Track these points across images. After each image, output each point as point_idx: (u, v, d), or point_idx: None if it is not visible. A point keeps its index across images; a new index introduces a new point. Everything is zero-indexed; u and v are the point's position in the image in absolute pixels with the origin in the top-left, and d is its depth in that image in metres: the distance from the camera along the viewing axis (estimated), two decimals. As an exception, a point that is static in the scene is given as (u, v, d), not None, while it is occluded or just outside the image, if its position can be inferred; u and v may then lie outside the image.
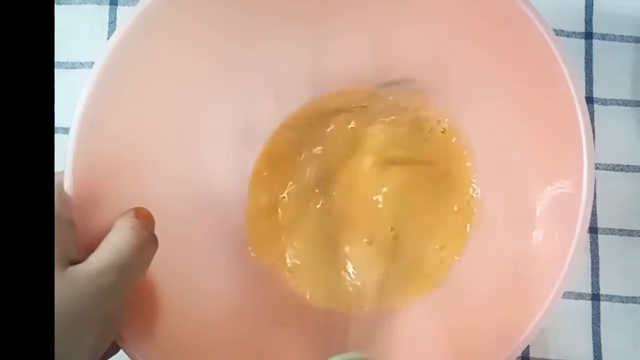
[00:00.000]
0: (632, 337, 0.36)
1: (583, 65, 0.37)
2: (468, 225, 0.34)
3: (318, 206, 0.35)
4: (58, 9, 0.38)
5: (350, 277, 0.34)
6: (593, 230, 0.36)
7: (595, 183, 0.26)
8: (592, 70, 0.37)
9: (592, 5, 0.37)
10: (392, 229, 0.34)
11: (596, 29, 0.37)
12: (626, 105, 0.37)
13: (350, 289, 0.34)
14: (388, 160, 0.35)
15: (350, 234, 0.34)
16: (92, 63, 0.26)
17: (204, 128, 0.33)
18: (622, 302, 0.36)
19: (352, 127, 0.35)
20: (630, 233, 0.36)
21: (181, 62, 0.30)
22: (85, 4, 0.38)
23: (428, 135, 0.35)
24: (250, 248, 0.35)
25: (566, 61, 0.26)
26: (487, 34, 0.30)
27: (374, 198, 0.34)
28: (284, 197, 0.35)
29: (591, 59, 0.37)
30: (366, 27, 0.32)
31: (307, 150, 0.35)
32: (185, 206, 0.32)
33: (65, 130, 0.36)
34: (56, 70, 0.37)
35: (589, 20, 0.37)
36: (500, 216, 0.32)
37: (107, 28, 0.38)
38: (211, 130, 0.33)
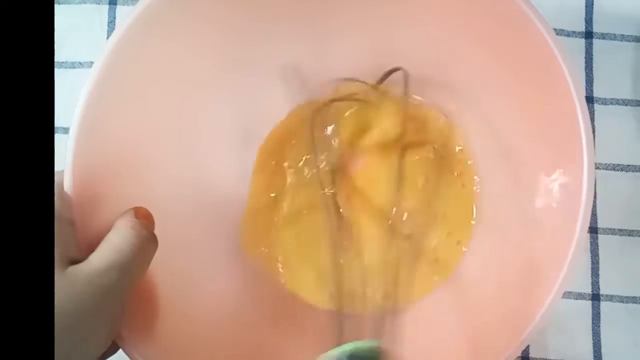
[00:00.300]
0: (632, 337, 0.36)
1: (583, 64, 0.37)
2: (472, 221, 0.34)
3: (319, 205, 0.35)
4: (58, 9, 0.38)
5: (354, 276, 0.34)
6: (593, 230, 0.36)
7: (595, 183, 0.26)
8: (592, 70, 0.37)
9: (592, 4, 0.37)
10: (395, 225, 0.34)
11: (596, 28, 0.37)
12: (626, 105, 0.37)
13: (354, 287, 0.34)
14: (389, 158, 0.35)
15: (352, 232, 0.34)
16: (92, 63, 0.26)
17: (204, 128, 0.33)
18: (622, 302, 0.36)
19: (352, 127, 0.35)
20: (630, 233, 0.36)
21: (181, 62, 0.30)
22: (84, 3, 0.38)
23: (429, 130, 0.35)
24: (247, 247, 0.34)
25: (566, 61, 0.26)
26: (487, 34, 0.30)
27: (376, 195, 0.34)
28: (284, 196, 0.35)
29: (591, 59, 0.37)
30: (366, 27, 0.32)
31: (308, 149, 0.35)
32: (185, 206, 0.32)
33: (65, 130, 0.36)
34: (56, 70, 0.37)
35: (589, 20, 0.37)
36: (500, 216, 0.32)
37: (106, 28, 0.38)
38: (211, 130, 0.33)
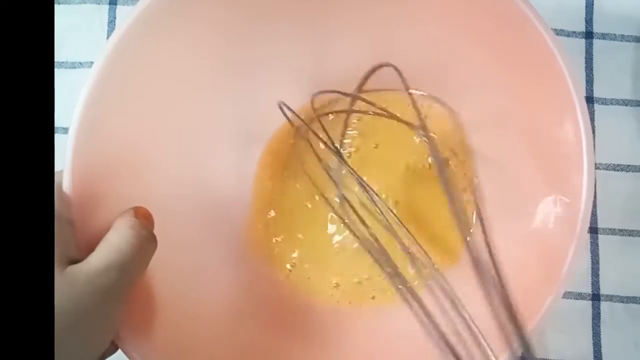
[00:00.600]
0: (632, 337, 0.36)
1: (583, 64, 0.37)
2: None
3: (320, 205, 0.35)
4: (58, 9, 0.38)
5: (357, 274, 0.34)
6: (593, 230, 0.36)
7: (595, 183, 0.26)
8: (592, 70, 0.37)
9: (593, 4, 0.37)
10: (397, 223, 0.34)
11: (596, 28, 0.37)
12: (626, 105, 0.37)
13: (357, 286, 0.34)
14: (390, 157, 0.35)
15: (355, 230, 0.34)
16: (92, 63, 0.26)
17: (204, 128, 0.33)
18: (622, 302, 0.36)
19: (353, 126, 0.35)
20: (630, 233, 0.36)
21: (181, 62, 0.30)
22: (84, 3, 0.38)
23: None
24: (251, 247, 0.35)
25: (566, 61, 0.26)
26: (487, 34, 0.30)
27: (378, 191, 0.34)
28: (286, 196, 0.35)
29: (591, 59, 0.37)
30: (366, 27, 0.32)
31: (309, 149, 0.35)
32: (185, 206, 0.32)
33: (65, 130, 0.36)
34: (56, 70, 0.37)
35: (589, 20, 0.37)
36: (500, 216, 0.32)
37: (106, 28, 0.38)
38: (211, 130, 0.33)
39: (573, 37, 0.37)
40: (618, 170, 0.36)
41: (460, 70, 0.32)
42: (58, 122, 0.36)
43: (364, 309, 0.34)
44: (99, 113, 0.27)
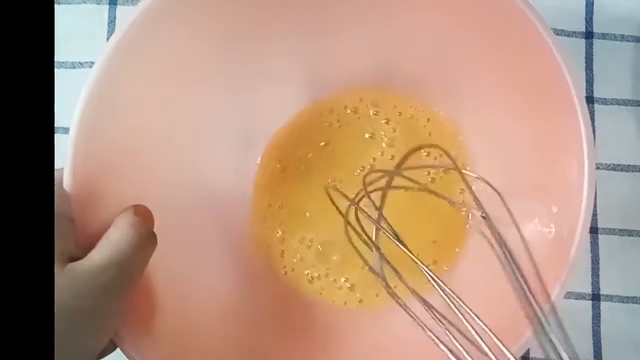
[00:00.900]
0: (632, 337, 0.36)
1: (583, 64, 0.37)
2: (467, 225, 0.34)
3: (321, 204, 0.35)
4: (58, 9, 0.38)
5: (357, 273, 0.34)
6: (593, 230, 0.36)
7: (595, 183, 0.26)
8: (592, 70, 0.37)
9: (593, 4, 0.37)
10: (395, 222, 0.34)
11: (596, 28, 0.37)
12: (626, 105, 0.37)
13: (357, 285, 0.34)
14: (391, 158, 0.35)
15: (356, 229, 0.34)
16: (92, 63, 0.26)
17: (204, 127, 0.33)
18: (623, 302, 0.36)
19: (353, 127, 0.36)
20: (630, 233, 0.36)
21: (181, 62, 0.30)
22: (84, 3, 0.38)
23: (425, 133, 0.35)
24: (251, 247, 0.35)
25: (566, 61, 0.26)
26: (486, 34, 0.30)
27: (378, 193, 0.34)
28: (286, 196, 0.35)
29: (591, 59, 0.37)
30: (366, 29, 0.32)
31: (310, 149, 0.36)
32: (185, 205, 0.32)
33: (65, 130, 0.36)
34: (56, 71, 0.37)
35: (589, 20, 0.37)
36: (498, 216, 0.32)
37: (106, 28, 0.38)
38: (211, 130, 0.33)
39: (573, 37, 0.37)
40: (618, 170, 0.36)
41: (459, 73, 0.32)
42: (58, 122, 0.36)
43: (365, 309, 0.34)
44: (99, 113, 0.27)
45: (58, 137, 0.36)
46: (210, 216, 0.33)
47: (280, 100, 0.35)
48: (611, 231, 0.36)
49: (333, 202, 0.32)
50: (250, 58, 0.32)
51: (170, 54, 0.29)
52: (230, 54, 0.32)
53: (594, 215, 0.36)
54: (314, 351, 0.32)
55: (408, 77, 0.34)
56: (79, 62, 0.38)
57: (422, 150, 0.35)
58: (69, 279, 0.23)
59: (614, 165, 0.36)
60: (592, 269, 0.36)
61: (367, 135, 0.36)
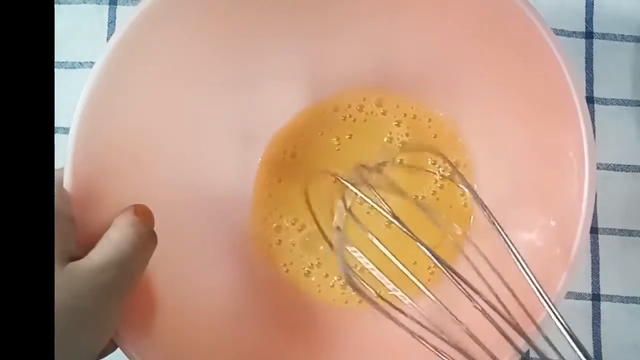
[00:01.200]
0: (632, 337, 0.36)
1: (583, 64, 0.37)
2: (469, 224, 0.34)
3: (321, 205, 0.35)
4: (58, 9, 0.38)
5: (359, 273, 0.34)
6: (593, 230, 0.36)
7: (595, 183, 0.26)
8: (592, 70, 0.37)
9: (593, 4, 0.37)
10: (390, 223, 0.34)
11: (596, 28, 0.37)
12: (626, 105, 0.37)
13: (360, 284, 0.34)
14: (391, 158, 0.35)
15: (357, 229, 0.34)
16: (92, 63, 0.26)
17: (205, 127, 0.33)
18: (623, 302, 0.36)
19: (354, 126, 0.35)
20: (630, 233, 0.36)
21: (181, 62, 0.30)
22: (84, 3, 0.38)
23: (431, 135, 0.35)
24: (251, 246, 0.34)
25: (566, 61, 0.26)
26: (486, 35, 0.30)
27: (379, 194, 0.34)
28: (288, 196, 0.35)
29: (591, 59, 0.37)
30: (366, 29, 0.32)
31: (311, 150, 0.36)
32: (185, 204, 0.32)
33: (65, 130, 0.36)
34: (56, 70, 0.37)
35: (589, 20, 0.37)
36: (500, 217, 0.32)
37: (106, 28, 0.38)
38: (212, 130, 0.33)
39: (573, 37, 0.37)
40: (618, 170, 0.36)
41: (459, 73, 0.32)
42: (58, 122, 0.36)
43: (366, 309, 0.34)
44: (99, 113, 0.27)
45: (58, 137, 0.36)
46: (210, 216, 0.33)
47: (281, 100, 0.35)
48: (611, 231, 0.36)
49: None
50: (250, 58, 0.32)
51: (170, 54, 0.29)
52: (230, 54, 0.32)
53: (594, 215, 0.36)
54: (315, 351, 0.32)
55: (408, 77, 0.34)
56: (79, 62, 0.38)
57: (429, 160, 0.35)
58: (69, 278, 0.23)
59: (614, 165, 0.36)
60: (592, 269, 0.36)
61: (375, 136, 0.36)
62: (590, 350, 0.35)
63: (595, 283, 0.36)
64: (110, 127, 0.27)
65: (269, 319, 0.33)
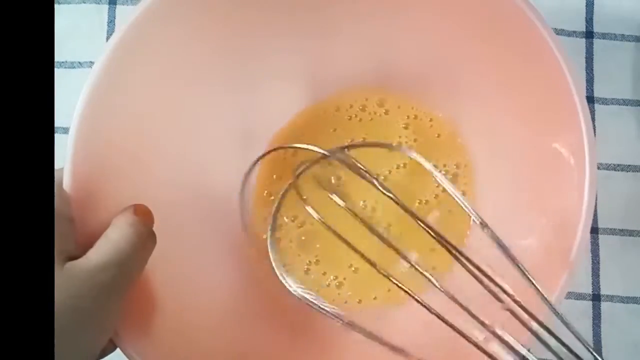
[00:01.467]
0: (632, 337, 0.36)
1: (584, 64, 0.37)
2: (469, 225, 0.34)
3: (323, 204, 0.35)
4: (58, 9, 0.38)
5: (357, 273, 0.34)
6: (593, 230, 0.36)
7: (596, 183, 0.26)
8: (592, 70, 0.37)
9: (593, 4, 0.37)
10: (390, 225, 0.34)
11: (597, 28, 0.37)
12: (627, 105, 0.37)
13: (358, 285, 0.34)
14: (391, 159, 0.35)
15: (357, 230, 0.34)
16: (92, 63, 0.26)
17: (204, 127, 0.33)
18: (623, 302, 0.36)
19: (354, 127, 0.35)
20: (630, 233, 0.36)
21: (181, 62, 0.30)
22: (84, 3, 0.38)
23: (434, 135, 0.35)
24: (251, 246, 0.34)
25: (567, 60, 0.26)
26: (487, 35, 0.30)
27: (378, 193, 0.34)
28: (288, 196, 0.35)
29: (592, 58, 0.37)
30: (366, 29, 0.32)
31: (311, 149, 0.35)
32: (185, 204, 0.32)
33: (65, 130, 0.36)
34: (56, 70, 0.37)
35: (589, 20, 0.37)
36: (501, 217, 0.32)
37: (106, 28, 0.38)
38: (211, 130, 0.33)
39: (573, 36, 0.37)
40: (618, 170, 0.36)
41: (459, 73, 0.32)
42: (58, 122, 0.36)
43: (366, 310, 0.34)
44: (99, 113, 0.27)
45: (58, 137, 0.36)
46: (210, 216, 0.33)
47: (281, 100, 0.35)
48: (611, 231, 0.36)
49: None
50: (250, 58, 0.32)
51: (170, 54, 0.29)
52: (230, 54, 0.32)
53: (594, 215, 0.36)
54: (314, 351, 0.32)
55: (408, 77, 0.34)
56: (79, 62, 0.38)
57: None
58: (68, 278, 0.23)
59: (614, 165, 0.36)
60: (593, 269, 0.36)
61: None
62: (590, 350, 0.35)
63: (596, 283, 0.36)
64: (110, 127, 0.27)
65: (269, 319, 0.33)
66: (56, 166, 0.24)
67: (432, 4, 0.30)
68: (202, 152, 0.33)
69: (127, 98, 0.28)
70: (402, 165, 0.35)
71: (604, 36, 0.37)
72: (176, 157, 0.31)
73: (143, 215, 0.26)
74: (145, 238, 0.26)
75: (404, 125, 0.35)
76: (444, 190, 0.35)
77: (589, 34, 0.37)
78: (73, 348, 0.23)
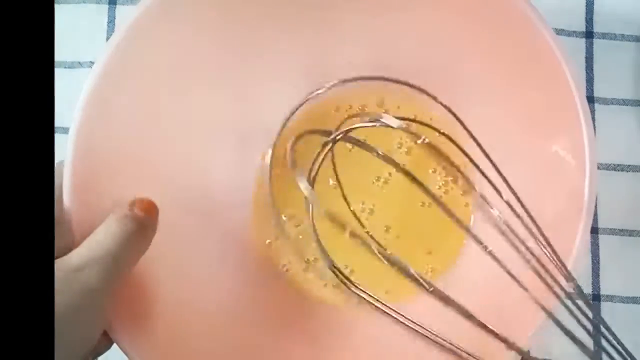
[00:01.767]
0: (632, 337, 0.36)
1: (584, 64, 0.37)
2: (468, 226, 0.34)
3: (323, 204, 0.35)
4: (58, 9, 0.38)
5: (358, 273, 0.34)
6: (594, 230, 0.36)
7: (596, 183, 0.26)
8: (592, 70, 0.37)
9: (593, 4, 0.37)
10: (389, 227, 0.34)
11: (597, 28, 0.37)
12: (627, 105, 0.37)
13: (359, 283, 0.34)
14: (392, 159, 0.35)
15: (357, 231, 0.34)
16: (92, 63, 0.26)
17: (204, 127, 0.33)
18: (623, 302, 0.36)
19: (354, 127, 0.35)
20: (630, 233, 0.36)
21: (181, 62, 0.30)
22: (84, 3, 0.38)
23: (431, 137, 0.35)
24: (250, 245, 0.34)
25: (567, 60, 0.26)
26: (487, 34, 0.30)
27: (377, 195, 0.34)
28: (288, 196, 0.35)
29: (592, 58, 0.37)
30: (366, 30, 0.32)
31: (311, 149, 0.35)
32: (185, 204, 0.32)
33: (65, 130, 0.36)
34: (56, 70, 0.37)
35: (589, 20, 0.37)
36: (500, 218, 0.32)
37: (106, 28, 0.38)
38: (211, 129, 0.33)
39: (574, 36, 0.37)
40: (618, 170, 0.36)
41: (460, 72, 0.32)
42: (58, 122, 0.36)
43: (366, 309, 0.34)
44: (99, 113, 0.27)
45: (58, 137, 0.36)
46: (210, 215, 0.33)
47: (281, 100, 0.35)
48: (611, 231, 0.36)
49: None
50: (250, 57, 0.32)
51: (170, 54, 0.29)
52: (230, 54, 0.32)
53: (594, 215, 0.36)
54: (315, 351, 0.32)
55: (408, 77, 0.34)
56: (79, 62, 0.38)
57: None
58: None
59: (614, 165, 0.36)
60: (593, 269, 0.36)
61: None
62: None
63: (596, 283, 0.36)
64: (110, 127, 0.27)
65: (269, 319, 0.33)
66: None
67: (432, 5, 0.30)
68: (202, 152, 0.33)
69: (127, 98, 0.28)
70: (402, 165, 0.35)
71: (604, 36, 0.37)
72: (176, 157, 0.31)
73: (144, 210, 0.26)
74: (135, 234, 0.25)
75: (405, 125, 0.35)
76: (446, 192, 0.35)
77: (589, 34, 0.37)
78: (59, 346, 0.22)
